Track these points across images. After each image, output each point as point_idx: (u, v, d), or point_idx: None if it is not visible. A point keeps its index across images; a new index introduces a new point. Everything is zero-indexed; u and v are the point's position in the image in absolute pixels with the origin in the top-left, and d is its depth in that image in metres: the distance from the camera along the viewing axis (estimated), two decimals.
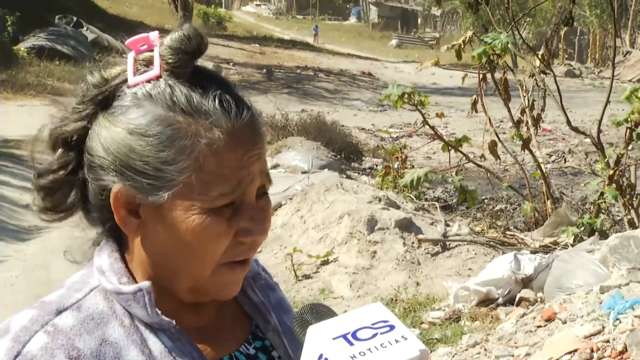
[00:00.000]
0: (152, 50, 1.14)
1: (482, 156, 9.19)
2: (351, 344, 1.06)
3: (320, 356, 1.06)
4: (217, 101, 1.12)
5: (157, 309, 1.15)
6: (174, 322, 1.16)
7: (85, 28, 24.05)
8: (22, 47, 20.86)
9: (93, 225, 1.22)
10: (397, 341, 1.07)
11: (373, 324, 1.09)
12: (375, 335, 1.08)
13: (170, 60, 1.12)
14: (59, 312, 1.13)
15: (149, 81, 1.12)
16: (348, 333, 1.07)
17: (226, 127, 1.11)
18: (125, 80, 1.14)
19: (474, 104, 8.83)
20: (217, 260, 1.16)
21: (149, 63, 1.14)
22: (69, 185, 1.20)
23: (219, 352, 1.24)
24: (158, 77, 1.12)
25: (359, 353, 1.04)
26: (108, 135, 1.13)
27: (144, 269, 1.19)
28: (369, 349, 1.05)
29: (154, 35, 1.15)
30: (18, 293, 6.61)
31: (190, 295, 1.20)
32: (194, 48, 1.13)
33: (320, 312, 1.17)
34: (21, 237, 8.40)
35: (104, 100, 1.15)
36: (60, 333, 1.10)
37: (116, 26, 25.76)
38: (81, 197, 1.21)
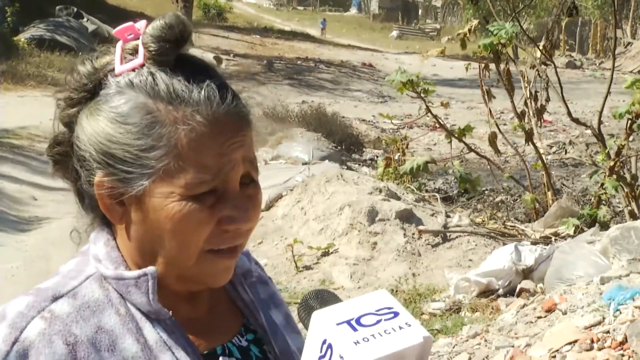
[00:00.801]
0: (138, 39, 1.15)
1: (493, 146, 9.13)
2: (355, 329, 1.06)
3: (324, 341, 1.06)
4: (199, 89, 1.12)
5: (157, 296, 1.16)
6: (170, 313, 1.17)
7: (85, 19, 24.03)
8: (22, 38, 20.84)
9: (87, 212, 1.23)
10: (400, 328, 1.07)
11: (377, 311, 1.10)
12: (379, 321, 1.08)
13: (153, 49, 1.12)
14: (55, 298, 1.13)
15: (133, 70, 1.13)
16: (352, 319, 1.07)
17: (207, 114, 1.11)
18: (113, 69, 1.15)
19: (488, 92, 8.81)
20: (201, 247, 1.15)
21: (134, 52, 1.14)
22: (69, 160, 1.21)
23: (212, 342, 1.25)
24: (141, 66, 1.13)
25: (363, 339, 1.04)
26: (91, 124, 1.14)
27: (132, 257, 1.20)
28: (373, 335, 1.05)
29: (140, 24, 1.16)
30: (19, 284, 6.61)
31: (179, 283, 1.21)
32: (177, 36, 1.13)
33: (324, 298, 1.17)
34: (21, 228, 8.41)
35: (93, 89, 1.16)
36: (57, 319, 1.11)
37: (117, 17, 25.68)
38: (75, 184, 1.22)
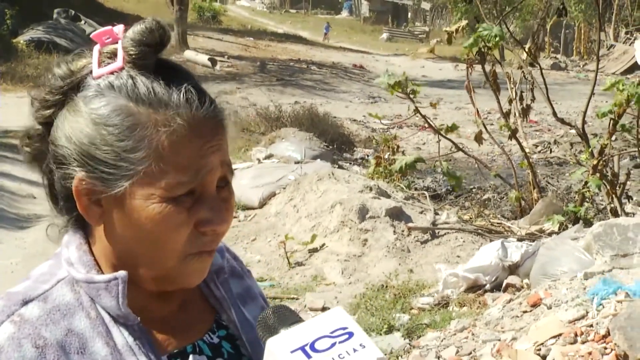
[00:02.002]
0: (117, 43, 1.13)
1: (478, 142, 9.16)
2: (309, 356, 1.04)
3: None
4: (178, 92, 1.11)
5: (126, 299, 1.14)
6: (138, 319, 1.16)
7: (83, 21, 23.95)
8: (22, 40, 20.77)
9: (60, 214, 1.21)
10: (355, 350, 1.05)
11: (332, 332, 1.07)
12: (333, 345, 1.06)
13: (133, 53, 1.11)
14: (25, 302, 1.12)
15: (112, 73, 1.12)
16: (306, 344, 1.05)
17: (187, 117, 1.10)
18: (91, 72, 1.14)
19: (467, 88, 8.83)
20: (182, 250, 1.14)
21: (113, 55, 1.13)
22: (41, 160, 1.20)
23: (183, 341, 1.24)
24: (121, 69, 1.12)
25: None
26: (70, 125, 1.12)
27: (109, 258, 1.18)
28: None
29: (118, 28, 1.15)
30: (18, 280, 6.59)
31: (154, 284, 1.19)
32: (156, 40, 1.12)
33: (282, 315, 1.14)
34: (21, 225, 8.38)
35: (69, 91, 1.14)
36: (26, 323, 1.10)
37: (113, 20, 25.35)
38: (49, 186, 1.20)
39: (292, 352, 1.05)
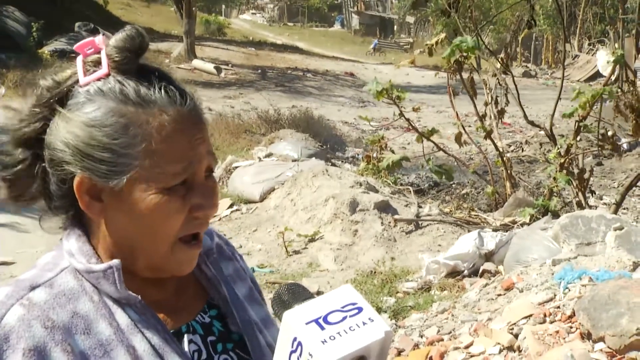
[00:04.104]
0: (98, 52, 1.12)
1: (458, 143, 9.18)
2: (322, 328, 1.04)
3: (295, 338, 1.04)
4: (162, 91, 1.11)
5: (124, 284, 1.14)
6: (139, 297, 1.15)
7: (101, 33, 23.81)
8: (46, 50, 20.72)
9: (56, 214, 1.20)
10: (364, 323, 1.06)
11: (343, 307, 1.08)
12: (344, 318, 1.06)
13: (117, 59, 1.11)
14: (33, 288, 1.11)
15: (99, 79, 1.11)
16: (320, 317, 1.06)
17: (173, 113, 1.11)
18: (77, 81, 1.12)
19: (450, 94, 8.85)
20: (175, 235, 1.14)
21: (97, 63, 1.12)
22: (28, 178, 1.17)
23: (177, 322, 1.23)
24: (107, 75, 1.11)
25: (330, 337, 1.03)
26: (66, 130, 1.11)
27: (108, 249, 1.17)
28: (339, 333, 1.04)
29: (99, 39, 1.14)
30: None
31: (149, 272, 1.19)
32: (137, 46, 1.12)
33: (295, 292, 1.15)
34: (39, 214, 8.34)
35: (59, 101, 1.13)
36: (35, 306, 1.08)
37: None
38: (43, 188, 1.18)
39: (306, 323, 1.05)
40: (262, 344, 1.28)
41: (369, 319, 1.07)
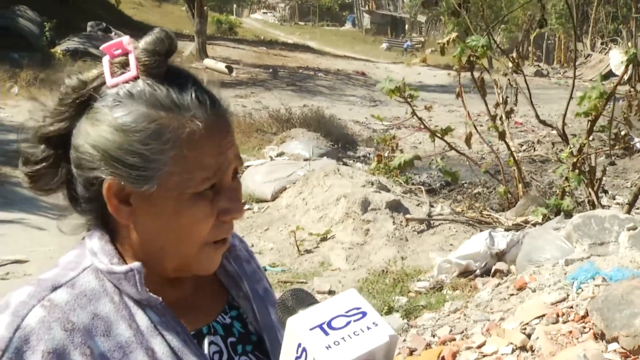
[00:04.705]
0: (126, 54, 1.11)
1: (467, 144, 9.17)
2: (327, 333, 1.04)
3: (299, 345, 1.04)
4: (193, 96, 1.10)
5: (145, 287, 1.13)
6: (160, 299, 1.14)
7: (113, 33, 23.93)
8: (59, 49, 20.80)
9: (82, 215, 1.19)
10: (368, 328, 1.05)
11: (347, 312, 1.07)
12: (348, 323, 1.05)
13: (147, 62, 1.10)
14: (55, 288, 1.10)
15: (127, 82, 1.10)
16: (324, 323, 1.05)
17: (203, 118, 1.09)
18: (104, 83, 1.11)
19: (459, 93, 8.82)
20: (203, 240, 1.13)
21: (124, 65, 1.11)
22: (50, 176, 1.17)
23: (198, 323, 1.22)
24: (136, 78, 1.10)
25: (334, 342, 1.02)
26: (95, 133, 1.10)
27: (135, 251, 1.16)
28: (343, 338, 1.03)
29: (126, 40, 1.12)
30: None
31: (175, 272, 1.18)
32: (167, 49, 1.11)
33: (300, 297, 1.14)
34: (57, 215, 8.38)
35: (85, 102, 1.12)
36: (56, 307, 1.08)
37: (140, 31, 25.52)
38: (68, 189, 1.18)
39: (311, 329, 1.04)
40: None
41: (373, 323, 1.06)
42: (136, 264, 1.13)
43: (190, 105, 1.09)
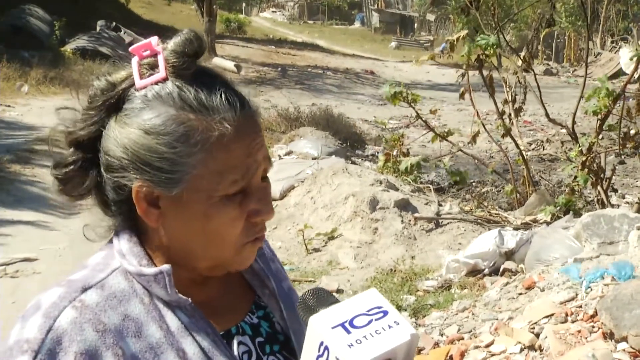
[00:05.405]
0: (155, 55, 1.10)
1: (471, 141, 9.17)
2: (348, 332, 1.04)
3: (321, 343, 1.04)
4: (222, 97, 1.09)
5: (175, 289, 1.13)
6: (189, 300, 1.14)
7: (122, 31, 24.00)
8: (68, 48, 20.87)
9: (111, 217, 1.19)
10: (390, 327, 1.05)
11: (368, 311, 1.08)
12: (370, 322, 1.06)
13: (176, 63, 1.09)
14: (85, 289, 1.10)
15: (156, 83, 1.09)
16: (345, 321, 1.05)
17: (233, 120, 1.09)
18: (132, 84, 1.11)
19: (462, 94, 8.82)
20: (238, 241, 1.13)
21: (153, 67, 1.10)
22: (80, 178, 1.16)
23: (226, 323, 1.22)
24: (165, 79, 1.09)
25: (356, 341, 1.03)
26: (124, 137, 1.09)
27: (165, 253, 1.16)
28: (365, 336, 1.03)
29: (155, 41, 1.12)
30: (64, 264, 6.63)
31: (208, 271, 1.18)
32: (196, 50, 1.10)
33: (321, 296, 1.14)
34: (67, 214, 8.41)
35: (115, 104, 1.11)
36: (87, 308, 1.08)
37: (150, 30, 25.68)
38: (98, 193, 1.17)
39: (333, 328, 1.05)
40: None
41: (395, 322, 1.07)
42: (165, 267, 1.13)
43: (219, 107, 1.09)
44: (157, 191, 1.10)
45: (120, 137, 1.10)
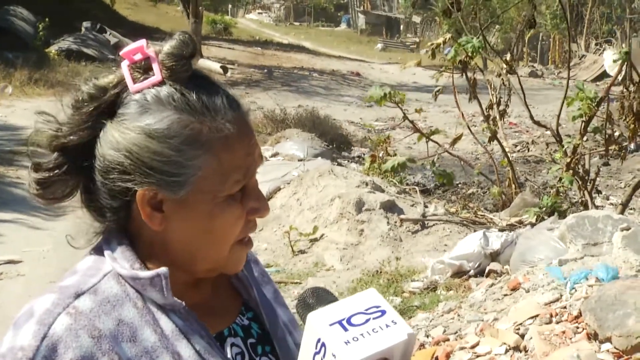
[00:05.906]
0: (147, 59, 1.09)
1: (451, 145, 9.22)
2: (346, 329, 1.05)
3: (319, 340, 1.05)
4: (219, 98, 1.09)
5: (171, 292, 1.12)
6: (183, 303, 1.13)
7: (108, 33, 23.90)
8: (53, 49, 20.77)
9: (102, 222, 1.17)
10: (387, 326, 1.06)
11: (366, 310, 1.08)
12: (368, 320, 1.06)
13: (173, 66, 1.08)
14: (78, 295, 1.09)
15: (152, 87, 1.08)
16: (343, 319, 1.06)
17: (233, 121, 1.09)
18: (125, 88, 1.09)
19: (436, 94, 8.87)
20: (234, 240, 1.14)
21: (146, 70, 1.09)
22: (62, 183, 1.14)
23: (219, 325, 1.21)
24: (161, 82, 1.08)
25: (353, 338, 1.03)
26: (126, 141, 1.07)
27: (161, 256, 1.15)
28: (362, 334, 1.04)
29: (145, 44, 1.10)
30: (49, 266, 6.58)
31: (205, 273, 1.18)
32: (190, 52, 1.09)
33: (320, 295, 1.16)
34: (52, 216, 8.36)
35: (107, 109, 1.10)
36: (81, 315, 1.07)
37: (135, 31, 25.60)
38: (88, 199, 1.15)
39: (330, 325, 1.05)
40: (292, 347, 1.27)
41: (392, 321, 1.07)
42: (163, 270, 1.12)
43: (221, 108, 1.09)
44: (162, 194, 1.10)
45: (121, 142, 1.08)
